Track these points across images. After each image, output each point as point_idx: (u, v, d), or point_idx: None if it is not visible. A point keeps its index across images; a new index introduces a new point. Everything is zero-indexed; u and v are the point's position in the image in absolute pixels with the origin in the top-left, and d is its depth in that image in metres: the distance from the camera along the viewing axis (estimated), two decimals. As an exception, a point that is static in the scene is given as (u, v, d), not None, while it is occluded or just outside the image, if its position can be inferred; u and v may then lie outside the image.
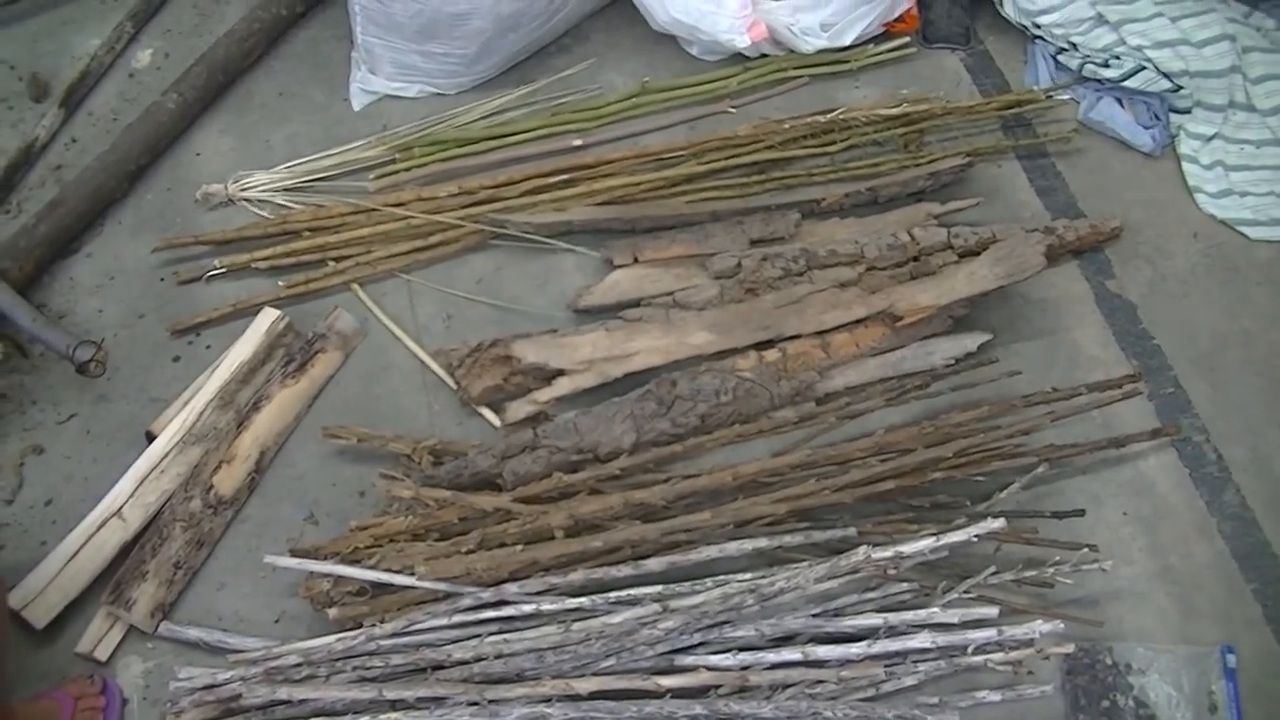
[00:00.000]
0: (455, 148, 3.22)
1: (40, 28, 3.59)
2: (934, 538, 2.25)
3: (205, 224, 3.14)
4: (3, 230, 3.14)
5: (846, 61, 3.46)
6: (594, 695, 2.20)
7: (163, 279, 3.06)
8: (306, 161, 3.22)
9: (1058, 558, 2.45)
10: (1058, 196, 3.24)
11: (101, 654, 2.47)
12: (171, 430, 2.68)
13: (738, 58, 3.44)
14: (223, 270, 3.02)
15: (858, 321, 2.82)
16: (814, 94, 3.43)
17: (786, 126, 3.19)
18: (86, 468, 2.74)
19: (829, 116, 3.21)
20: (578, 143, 3.24)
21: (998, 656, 2.25)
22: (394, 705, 2.21)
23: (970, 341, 2.82)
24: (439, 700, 2.20)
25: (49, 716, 2.31)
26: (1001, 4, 3.55)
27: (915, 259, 2.92)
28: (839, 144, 3.21)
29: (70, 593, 2.50)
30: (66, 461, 2.76)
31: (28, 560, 2.54)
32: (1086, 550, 2.47)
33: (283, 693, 2.22)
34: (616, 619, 2.24)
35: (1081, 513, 2.61)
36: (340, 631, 2.35)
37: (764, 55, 3.45)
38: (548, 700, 2.19)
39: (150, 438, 2.71)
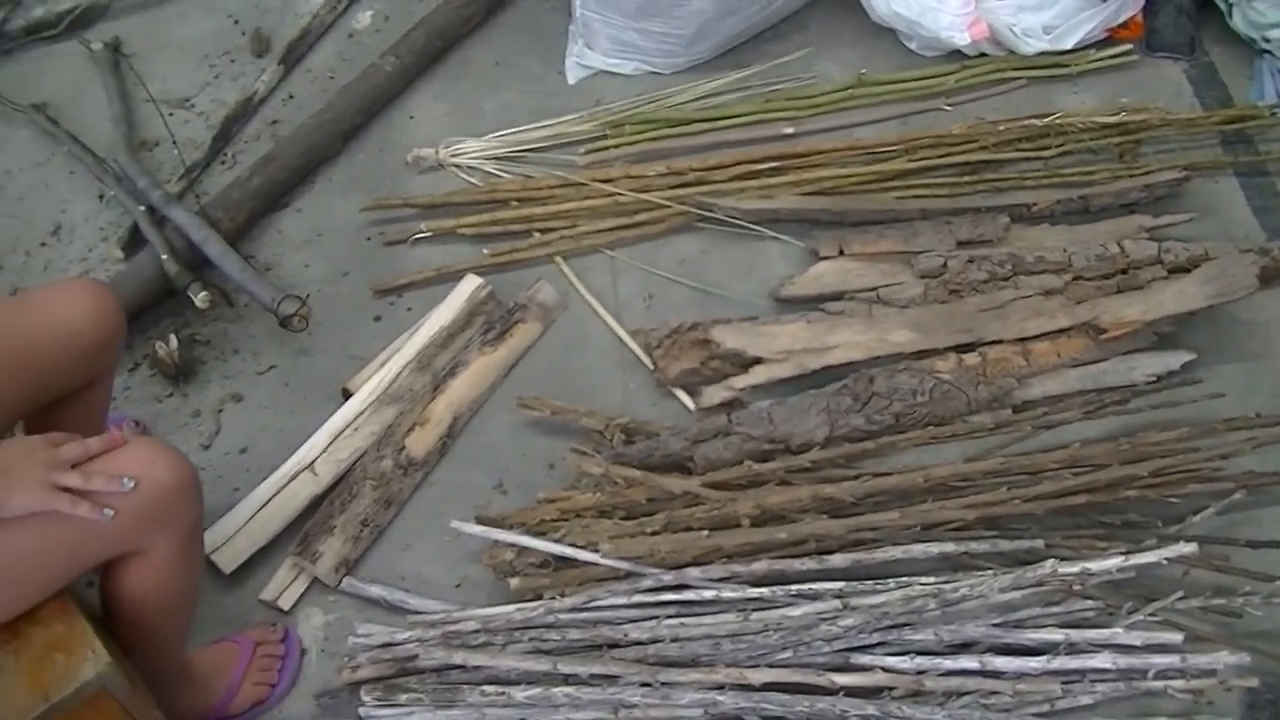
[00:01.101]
0: (666, 127, 3.26)
1: (266, -16, 3.69)
2: (1122, 557, 2.24)
3: (414, 187, 3.21)
4: (217, 181, 3.24)
5: (1066, 65, 3.42)
6: (767, 686, 2.20)
7: (369, 238, 3.12)
8: (518, 131, 3.27)
9: (1248, 588, 2.40)
10: (1275, 217, 3.16)
11: (285, 603, 2.53)
12: (368, 389, 2.73)
13: (956, 55, 3.42)
14: (428, 234, 3.08)
15: (1061, 331, 2.80)
16: (1031, 97, 3.39)
17: (1001, 128, 3.18)
18: (283, 419, 2.82)
19: (1045, 121, 3.19)
20: (789, 131, 3.25)
21: (1178, 684, 2.22)
22: (567, 679, 2.24)
23: (1174, 360, 2.78)
24: (611, 678, 2.23)
25: (229, 659, 2.37)
26: (1230, 15, 3.48)
27: (1123, 271, 2.88)
28: (1053, 149, 3.19)
29: (259, 541, 2.57)
30: (264, 411, 2.84)
31: (220, 506, 2.61)
32: (1278, 582, 2.40)
33: (458, 657, 2.25)
34: (796, 612, 2.24)
35: (1278, 544, 2.54)
36: (520, 602, 2.37)
37: (983, 54, 3.43)
38: (720, 688, 2.20)
39: (347, 395, 2.77)
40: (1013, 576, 2.22)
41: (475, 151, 3.24)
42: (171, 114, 3.40)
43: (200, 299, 2.85)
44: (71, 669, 1.75)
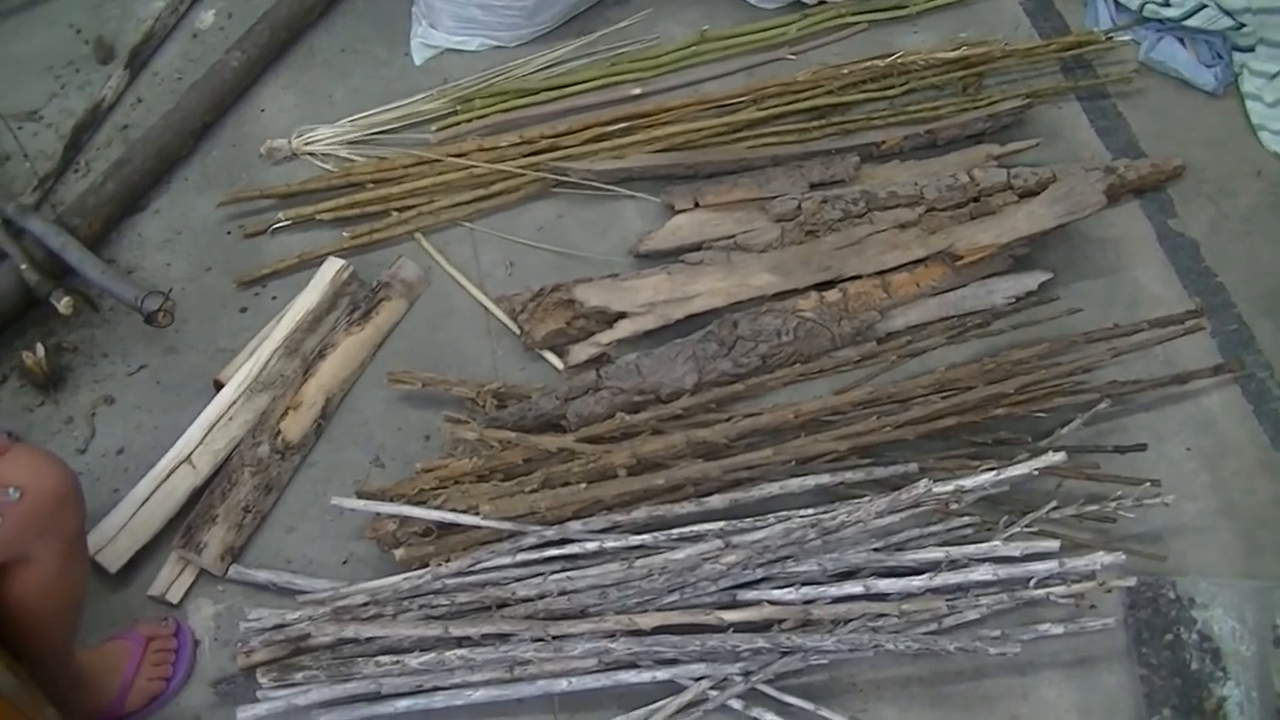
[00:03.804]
0: (516, 98, 3.22)
1: (105, -9, 3.61)
2: (994, 472, 2.22)
3: (270, 179, 3.16)
4: (72, 189, 3.17)
5: (905, 6, 3.43)
6: (657, 630, 2.18)
7: (229, 233, 3.08)
8: (369, 115, 3.23)
9: (1120, 492, 2.41)
10: (1119, 137, 3.18)
11: (173, 597, 2.48)
12: (239, 379, 2.69)
13: (796, 5, 3.42)
14: (287, 223, 3.04)
15: (918, 261, 2.79)
16: (872, 40, 3.39)
17: (845, 72, 3.16)
18: (156, 417, 2.76)
19: (887, 61, 3.17)
20: (637, 91, 3.22)
21: (1059, 590, 2.21)
22: (460, 642, 2.22)
23: (1031, 280, 2.78)
24: (504, 637, 2.20)
25: (120, 656, 2.32)
26: (1060, -55, 3.49)
27: (975, 200, 2.88)
28: (897, 88, 3.18)
29: (142, 538, 2.51)
30: (137, 411, 2.78)
31: (101, 507, 2.55)
32: (1149, 485, 2.43)
33: (350, 630, 2.22)
34: (679, 555, 2.22)
35: (1144, 447, 2.57)
36: (406, 572, 2.34)
37: (822, 1, 3.42)
38: (612, 635, 2.18)
39: (218, 387, 2.72)
40: (888, 500, 2.20)
41: (328, 138, 3.19)
42: (20, 127, 3.33)
43: (63, 305, 2.79)
44: (-41, 674, 1.73)
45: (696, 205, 2.92)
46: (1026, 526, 2.33)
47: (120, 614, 2.47)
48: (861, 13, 3.40)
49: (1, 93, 3.40)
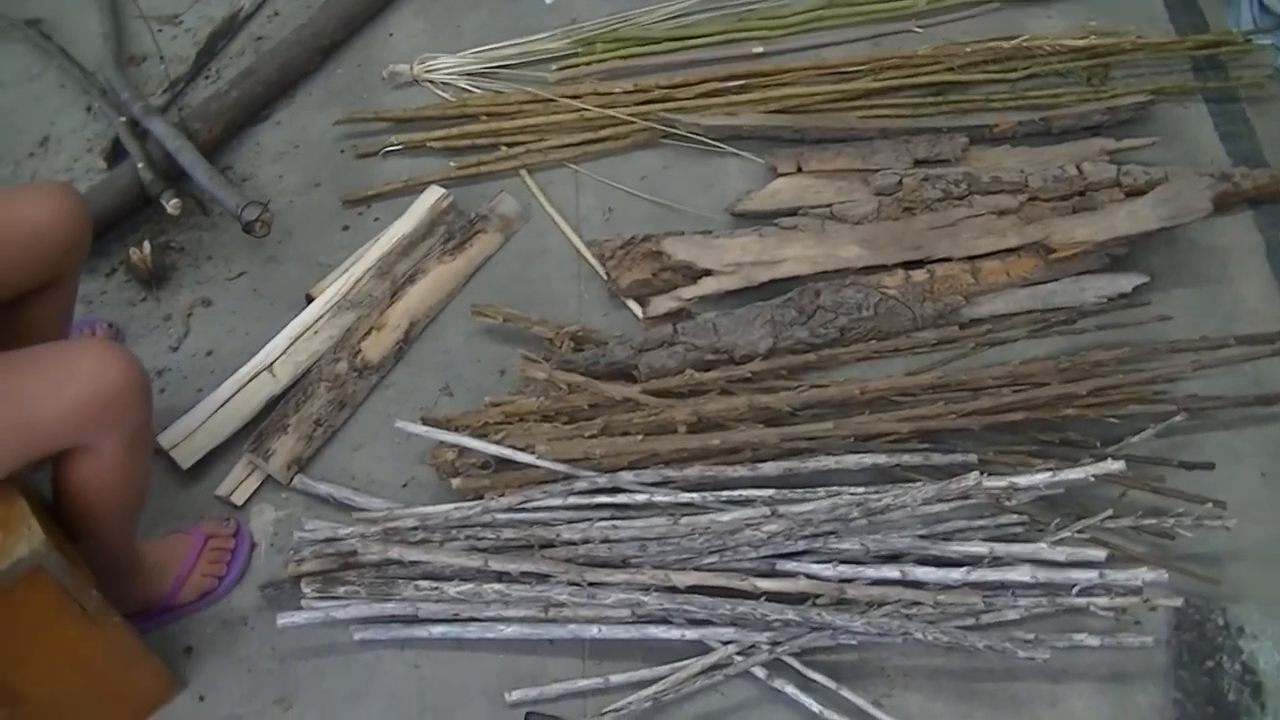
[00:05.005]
0: (637, 45, 3.21)
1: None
2: (1050, 473, 2.17)
3: (388, 102, 3.19)
4: (201, 95, 3.21)
5: (1041, -13, 3.33)
6: (691, 589, 2.17)
7: (342, 151, 3.12)
8: (492, 49, 3.24)
9: (1181, 509, 2.33)
10: (1242, 144, 3.04)
11: (238, 499, 2.53)
12: (329, 295, 2.72)
13: (931, -24, 3.34)
14: (399, 147, 3.07)
15: (1011, 250, 2.71)
16: (1003, 19, 3.30)
17: (968, 50, 3.09)
18: (249, 323, 2.81)
19: (1013, 43, 3.10)
20: (758, 50, 3.19)
21: (1102, 601, 2.15)
22: (499, 577, 2.22)
23: (1125, 282, 2.68)
24: (542, 577, 2.20)
25: (180, 550, 2.37)
26: (1212, -61, 3.36)
27: (1081, 194, 2.78)
28: (1019, 72, 3.09)
29: (217, 438, 2.57)
30: (231, 316, 2.83)
31: (183, 405, 2.61)
32: (1210, 505, 2.34)
33: (395, 552, 2.23)
34: (725, 518, 2.19)
35: (1211, 466, 2.45)
36: (460, 501, 2.36)
37: (956, -24, 3.34)
38: (645, 589, 2.17)
39: (309, 300, 2.75)
40: (938, 488, 2.13)
41: (449, 68, 3.20)
42: (160, 30, 3.40)
43: (172, 206, 2.85)
44: (7, 546, 1.77)
45: (799, 170, 2.88)
46: (1078, 532, 2.26)
47: (187, 509, 2.52)
48: (996, -10, 3.32)
49: (147, -5, 3.46)
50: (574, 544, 2.25)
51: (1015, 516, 2.27)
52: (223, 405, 2.59)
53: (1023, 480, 2.14)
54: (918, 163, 2.87)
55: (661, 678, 2.18)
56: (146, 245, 2.85)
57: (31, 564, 1.79)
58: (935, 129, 2.95)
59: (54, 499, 2.00)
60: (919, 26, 3.28)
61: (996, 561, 2.18)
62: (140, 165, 2.92)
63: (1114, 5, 3.35)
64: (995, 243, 2.71)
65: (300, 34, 3.24)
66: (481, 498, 2.35)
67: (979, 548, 2.19)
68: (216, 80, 3.29)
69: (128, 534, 2.17)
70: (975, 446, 2.39)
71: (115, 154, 3.10)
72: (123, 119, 3.07)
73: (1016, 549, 2.18)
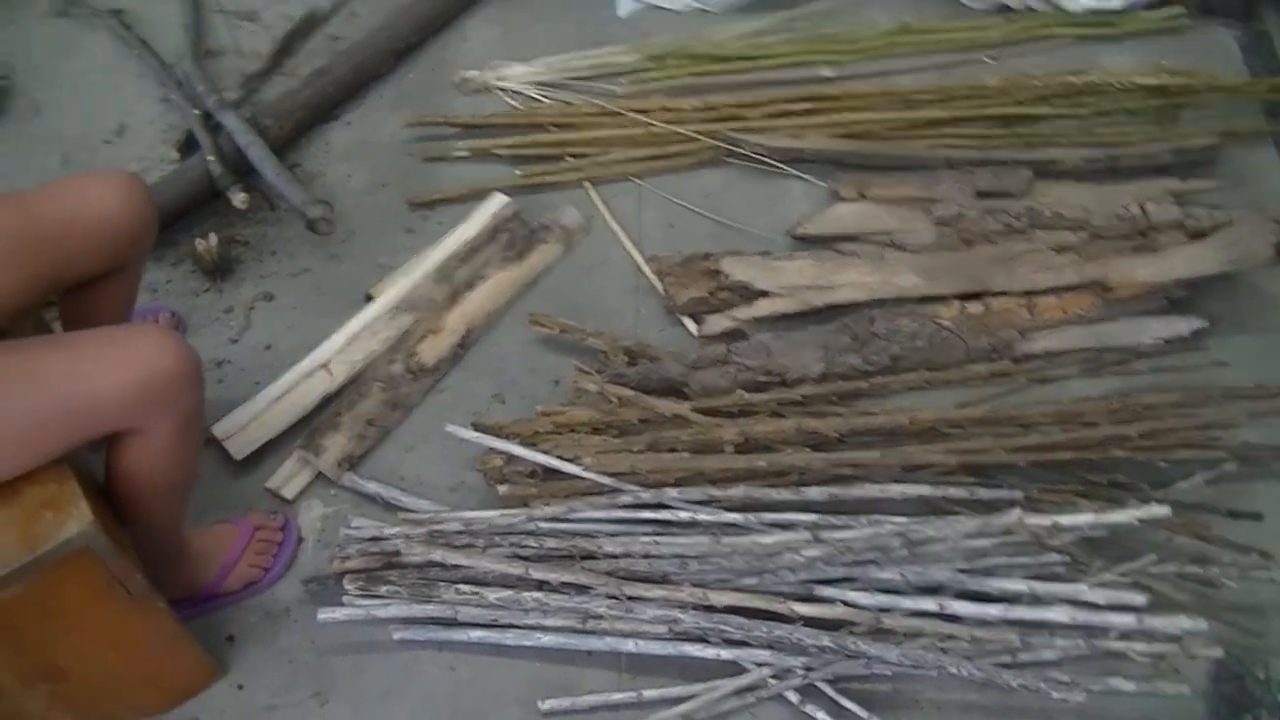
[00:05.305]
0: (707, 63, 3.22)
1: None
2: (1095, 514, 2.16)
3: (458, 107, 3.22)
4: (275, 91, 3.25)
5: (1113, 24, 3.32)
6: (729, 609, 2.17)
7: (410, 154, 3.14)
8: (563, 59, 3.26)
9: (1226, 559, 2.31)
10: (1313, 190, 3.02)
11: (289, 493, 2.54)
12: (388, 296, 2.74)
13: (1004, 8, 3.33)
14: (466, 153, 3.08)
15: (1069, 287, 2.70)
16: (1074, 54, 3.29)
17: (1038, 84, 3.08)
18: (309, 319, 2.82)
19: (1083, 79, 3.08)
20: (828, 74, 3.19)
21: (1140, 646, 2.13)
22: (539, 585, 2.22)
23: (1183, 325, 2.67)
24: (581, 588, 2.21)
25: (228, 539, 2.39)
26: (1290, -19, 3.32)
27: (1143, 234, 2.77)
28: (1089, 108, 3.08)
29: (270, 432, 2.59)
30: (292, 311, 2.86)
31: (239, 397, 2.64)
32: (1257, 556, 2.32)
33: (438, 555, 2.25)
34: (766, 540, 2.19)
35: (1259, 516, 2.42)
36: (505, 509, 2.37)
37: (1030, 8, 3.33)
38: (683, 606, 2.17)
39: (369, 300, 2.77)
40: (980, 522, 2.13)
41: (520, 76, 3.22)
42: (238, 25, 3.45)
43: (239, 200, 2.89)
44: (57, 525, 1.79)
45: (861, 196, 2.89)
46: (1120, 575, 2.24)
47: (237, 500, 2.53)
48: (1068, 25, 3.31)
49: (229, -11, 3.51)
50: (615, 557, 2.25)
51: (1057, 555, 2.25)
52: (278, 399, 2.62)
53: (1067, 520, 2.13)
54: (980, 194, 2.87)
55: (694, 695, 2.18)
56: (213, 237, 2.88)
57: (80, 544, 1.81)
58: (1000, 161, 2.94)
59: (105, 481, 2.03)
60: (990, 57, 3.28)
61: (1036, 600, 2.16)
62: (211, 158, 2.96)
63: (1187, 45, 3.33)
64: (1054, 279, 2.70)
65: (376, 36, 3.27)
66: (527, 505, 2.36)
67: (1019, 585, 2.18)
68: (290, 78, 3.33)
69: (175, 519, 2.19)
70: (1021, 483, 2.38)
71: (187, 146, 3.14)
72: (197, 112, 3.11)
73: (1056, 588, 2.17)
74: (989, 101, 3.08)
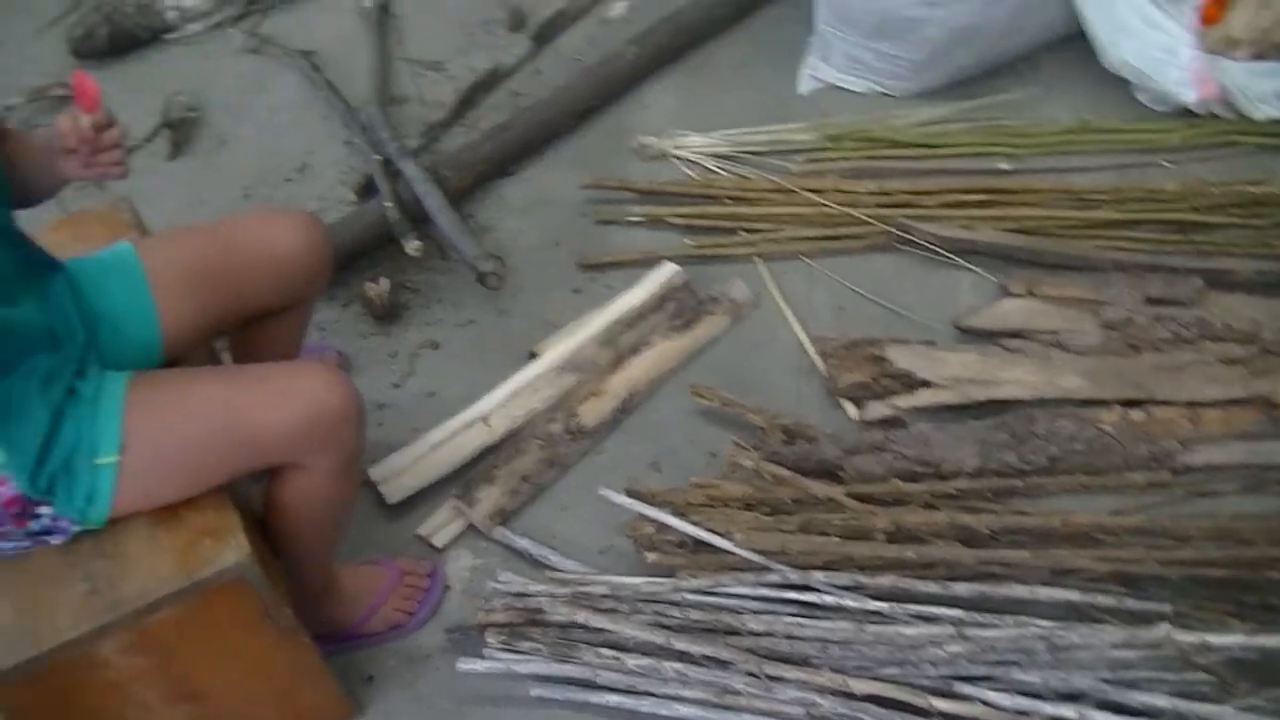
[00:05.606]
0: (884, 147, 3.22)
1: (530, -32, 3.76)
2: (1246, 635, 2.12)
3: (634, 172, 3.26)
4: (455, 142, 3.32)
5: (1299, 134, 3.27)
6: (867, 698, 2.17)
7: (584, 215, 3.19)
8: (742, 133, 3.29)
9: (1385, 694, 2.27)
10: None
11: (439, 541, 2.59)
12: (553, 355, 2.79)
13: (1185, 112, 3.29)
14: (640, 219, 3.12)
15: (1235, 401, 2.67)
16: (1254, 163, 3.24)
17: (1215, 190, 3.05)
18: (472, 371, 2.88)
19: (1261, 189, 3.04)
20: (1005, 167, 3.19)
21: (1282, 778, 2.10)
22: (680, 656, 2.24)
23: (1350, 448, 2.64)
24: (722, 663, 2.22)
25: (376, 581, 2.45)
26: None
27: (1314, 352, 2.75)
28: (1265, 219, 3.03)
29: (426, 479, 2.65)
30: (456, 361, 2.92)
31: (398, 441, 2.71)
32: None
33: (581, 616, 2.28)
34: (910, 631, 2.20)
35: None
36: (652, 576, 2.39)
37: (1213, 115, 3.29)
38: (822, 691, 2.18)
39: (533, 357, 2.81)
40: (1126, 633, 2.13)
41: (698, 146, 3.27)
42: (424, 75, 3.52)
43: (412, 248, 2.96)
44: (215, 553, 1.85)
45: (1030, 293, 2.88)
46: (1268, 700, 2.21)
47: (387, 544, 2.59)
48: (1250, 133, 3.26)
49: (417, 39, 3.59)
50: (757, 634, 2.26)
51: (1204, 674, 2.22)
52: (436, 447, 2.67)
53: (1216, 639, 2.10)
54: (1150, 300, 2.84)
55: (828, 781, 2.18)
56: (384, 282, 2.95)
57: (235, 574, 1.87)
58: (1172, 268, 2.91)
59: (263, 513, 2.10)
60: (1168, 161, 3.23)
61: (1178, 718, 2.14)
62: (388, 204, 3.03)
63: (1372, 162, 3.28)
64: (1220, 392, 2.67)
65: (558, 95, 3.33)
66: (674, 575, 2.38)
67: (1162, 700, 2.15)
68: (472, 130, 3.39)
69: (328, 556, 2.25)
70: (1172, 596, 2.34)
71: (366, 189, 3.22)
72: (378, 157, 3.19)
73: (1201, 709, 2.13)
74: (1164, 206, 3.05)
